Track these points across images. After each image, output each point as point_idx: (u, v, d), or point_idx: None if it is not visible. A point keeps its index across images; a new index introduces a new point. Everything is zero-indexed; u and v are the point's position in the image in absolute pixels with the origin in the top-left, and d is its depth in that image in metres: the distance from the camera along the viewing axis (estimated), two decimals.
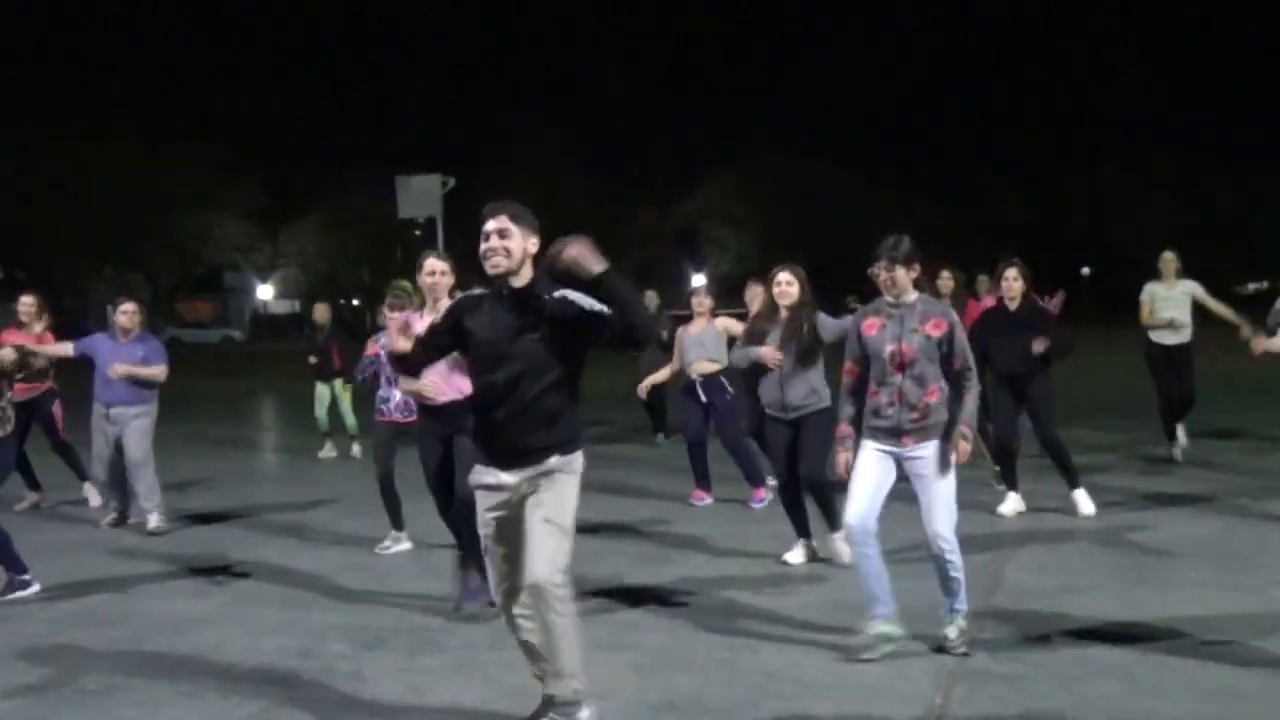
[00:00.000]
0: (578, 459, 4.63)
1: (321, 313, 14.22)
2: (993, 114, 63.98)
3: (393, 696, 5.19)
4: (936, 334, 5.70)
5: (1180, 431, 11.48)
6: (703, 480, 9.84)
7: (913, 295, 5.77)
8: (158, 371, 9.13)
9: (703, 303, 9.74)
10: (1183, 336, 11.32)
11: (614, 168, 60.24)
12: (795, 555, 7.55)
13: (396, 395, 7.76)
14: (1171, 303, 11.28)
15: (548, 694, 4.66)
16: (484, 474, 4.63)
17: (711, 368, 9.57)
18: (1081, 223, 62.06)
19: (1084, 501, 8.80)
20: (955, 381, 5.74)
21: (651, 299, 14.56)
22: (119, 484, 9.30)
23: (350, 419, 13.56)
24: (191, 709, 5.13)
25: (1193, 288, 11.30)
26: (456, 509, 6.50)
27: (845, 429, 5.90)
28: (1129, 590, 6.70)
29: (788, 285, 7.43)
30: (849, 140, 61.38)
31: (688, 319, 9.92)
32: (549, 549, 4.45)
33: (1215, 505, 8.94)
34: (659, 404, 13.62)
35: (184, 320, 67.59)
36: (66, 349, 9.31)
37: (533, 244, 4.57)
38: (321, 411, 13.64)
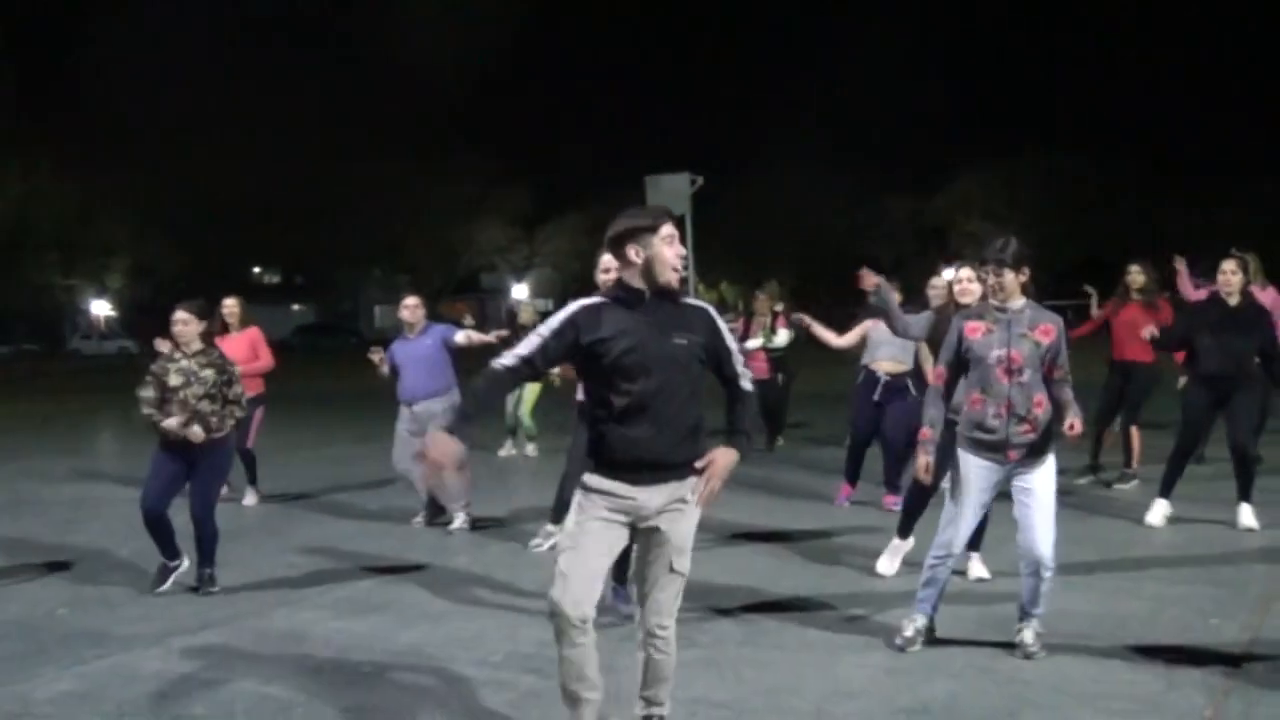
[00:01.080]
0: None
1: (526, 312, 13.80)
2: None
3: None
4: (1046, 341, 5.47)
5: None
6: (854, 479, 9.56)
7: (1020, 300, 5.53)
8: (472, 336, 9.26)
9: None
10: None
11: (865, 162, 59.59)
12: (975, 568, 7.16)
13: None
14: None
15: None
16: (606, 485, 4.32)
17: (899, 368, 9.22)
18: None
19: (1248, 516, 8.18)
20: (1051, 390, 5.49)
21: (773, 291, 13.68)
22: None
23: (527, 421, 13.36)
24: (455, 692, 5.35)
25: None
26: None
27: (928, 433, 5.70)
28: None
29: (969, 283, 7.01)
30: (1124, 137, 58.73)
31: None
32: (670, 598, 4.45)
33: None
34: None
35: (445, 320, 70.46)
36: (384, 370, 9.35)
37: None
38: (518, 410, 13.42)
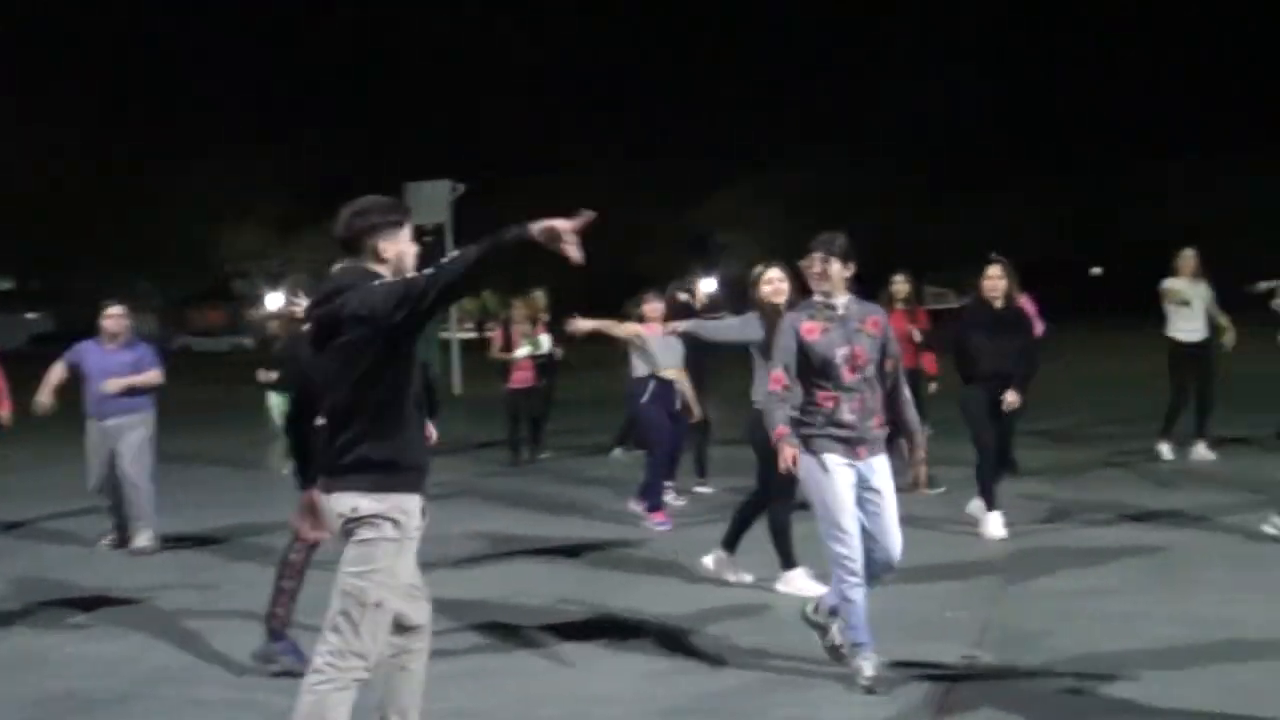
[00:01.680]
0: None
1: (278, 324, 12.79)
2: (1004, 120, 63.90)
3: None
4: (876, 332, 5.49)
5: (1202, 446, 11.42)
6: (668, 491, 9.48)
7: (846, 296, 5.50)
8: (153, 376, 8.72)
9: (655, 309, 9.26)
10: (1203, 335, 11.36)
11: (633, 172, 60.19)
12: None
13: None
14: (1191, 301, 11.32)
15: None
16: (411, 505, 4.06)
17: (676, 374, 9.22)
18: (1098, 222, 61.68)
19: (994, 524, 8.35)
20: (886, 381, 5.49)
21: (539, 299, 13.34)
22: (117, 503, 8.86)
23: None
24: (203, 715, 5.19)
25: (1207, 291, 11.34)
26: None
27: (784, 429, 5.38)
28: (1141, 594, 6.69)
29: (780, 283, 7.01)
30: (868, 147, 61.17)
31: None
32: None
33: (1224, 511, 8.80)
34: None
35: (195, 328, 68.44)
36: (58, 372, 8.72)
37: None
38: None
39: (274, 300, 65.60)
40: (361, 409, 3.94)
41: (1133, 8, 64.32)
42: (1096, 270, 66.02)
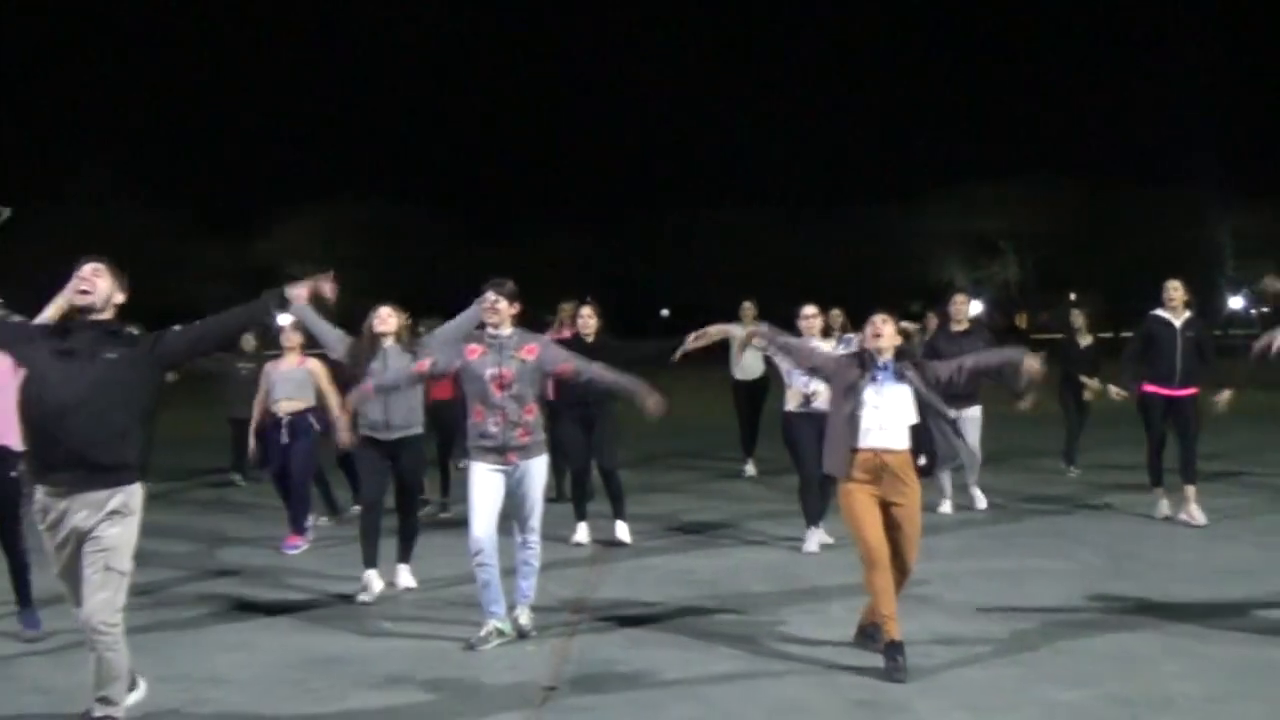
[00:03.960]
0: None
1: None
2: (571, 160, 66.35)
3: None
4: (531, 358, 6.43)
5: (750, 465, 13.03)
6: (304, 525, 9.49)
7: (510, 329, 6.49)
8: None
9: (291, 338, 9.40)
10: (758, 373, 12.71)
11: (186, 202, 57.34)
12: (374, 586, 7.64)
13: None
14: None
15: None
16: None
17: (298, 405, 9.35)
18: (661, 268, 64.62)
19: (624, 531, 9.33)
20: (578, 377, 6.61)
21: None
22: None
23: None
24: None
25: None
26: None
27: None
28: (705, 612, 7.10)
29: (389, 317, 7.80)
30: (431, 186, 61.71)
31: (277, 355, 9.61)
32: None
33: (777, 529, 9.62)
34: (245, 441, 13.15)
35: None
36: None
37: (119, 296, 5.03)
38: None
39: None
40: None
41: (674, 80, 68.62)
42: (665, 312, 69.04)
